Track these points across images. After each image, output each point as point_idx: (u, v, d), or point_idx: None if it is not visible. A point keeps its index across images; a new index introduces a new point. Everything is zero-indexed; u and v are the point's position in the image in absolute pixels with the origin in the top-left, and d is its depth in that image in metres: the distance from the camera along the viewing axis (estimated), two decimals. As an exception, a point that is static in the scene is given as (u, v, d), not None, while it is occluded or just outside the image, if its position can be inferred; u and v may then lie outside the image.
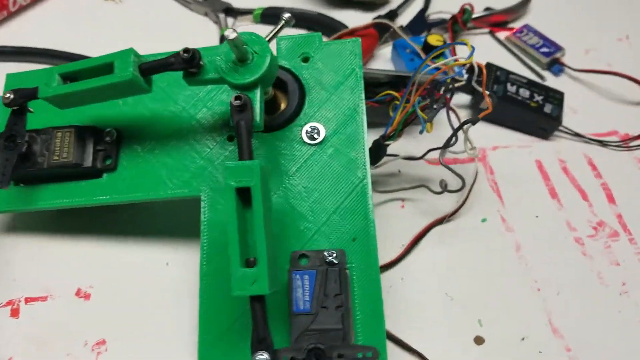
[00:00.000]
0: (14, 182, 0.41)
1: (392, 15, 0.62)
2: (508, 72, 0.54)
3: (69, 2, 0.63)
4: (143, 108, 0.41)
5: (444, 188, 0.43)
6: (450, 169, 0.41)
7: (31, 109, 0.39)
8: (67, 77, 0.36)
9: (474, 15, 0.61)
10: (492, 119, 0.54)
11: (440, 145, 0.41)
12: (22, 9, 0.61)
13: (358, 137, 0.37)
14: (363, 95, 0.38)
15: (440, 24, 0.61)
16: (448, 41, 0.59)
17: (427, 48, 0.56)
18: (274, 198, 0.37)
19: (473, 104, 0.53)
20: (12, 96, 0.37)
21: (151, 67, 0.35)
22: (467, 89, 0.53)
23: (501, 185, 0.49)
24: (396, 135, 0.42)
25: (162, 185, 0.39)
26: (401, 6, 0.64)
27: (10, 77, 0.45)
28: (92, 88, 0.35)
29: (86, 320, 0.39)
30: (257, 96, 0.33)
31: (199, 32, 0.61)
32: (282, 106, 0.39)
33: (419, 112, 0.40)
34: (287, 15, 0.35)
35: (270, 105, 0.39)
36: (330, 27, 0.59)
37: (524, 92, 0.52)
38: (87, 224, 0.44)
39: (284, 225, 0.36)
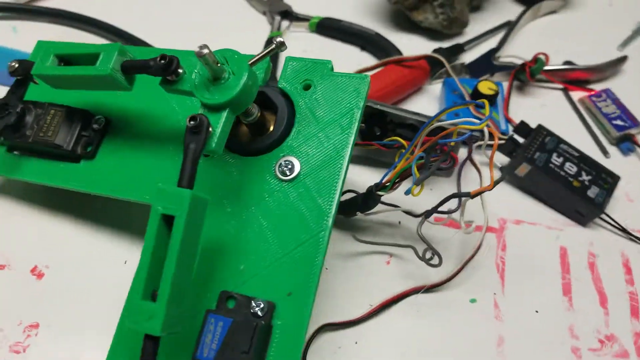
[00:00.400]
0: (7, 148, 0.42)
1: (457, 49, 0.56)
2: (559, 141, 0.47)
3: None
4: (139, 101, 0.40)
5: (424, 258, 0.38)
6: (426, 242, 0.37)
7: (37, 81, 0.40)
8: (63, 59, 0.36)
9: (548, 67, 0.54)
10: (526, 189, 0.48)
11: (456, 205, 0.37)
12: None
13: (332, 184, 0.34)
14: (352, 139, 0.34)
15: (507, 69, 0.55)
16: (503, 90, 0.52)
17: (476, 94, 0.50)
18: (225, 227, 0.34)
19: (509, 166, 0.47)
20: (16, 65, 0.38)
21: (131, 67, 0.33)
22: (506, 149, 0.47)
23: (509, 266, 0.43)
24: (390, 186, 0.39)
25: (134, 186, 0.38)
26: (470, 42, 0.58)
27: (40, 44, 0.46)
28: (75, 75, 0.34)
29: (30, 299, 0.40)
30: (221, 120, 0.31)
31: (251, 30, 0.60)
32: (271, 130, 0.37)
33: (414, 169, 0.36)
34: (279, 39, 0.32)
35: (257, 128, 0.37)
36: (384, 50, 0.56)
37: (570, 168, 0.46)
38: (64, 203, 0.44)
39: (225, 260, 0.34)
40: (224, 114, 0.31)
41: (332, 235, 0.44)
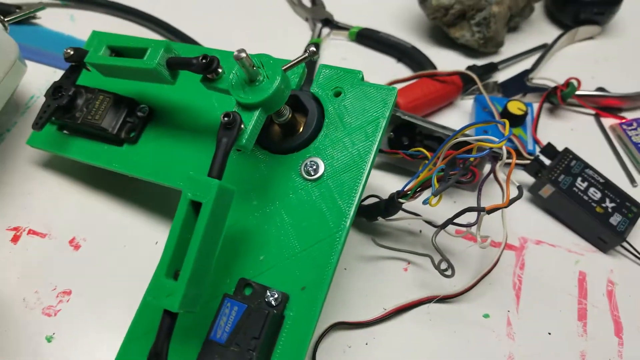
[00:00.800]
0: (58, 127, 0.45)
1: (490, 68, 0.57)
2: (585, 165, 0.47)
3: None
4: (181, 94, 0.43)
5: (438, 268, 0.39)
6: (440, 252, 0.38)
7: (89, 68, 0.42)
8: (114, 50, 0.38)
9: (580, 92, 0.55)
10: (549, 211, 0.48)
11: (475, 219, 0.38)
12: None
13: (353, 187, 0.35)
14: (375, 147, 0.36)
15: (540, 90, 0.56)
16: (533, 111, 0.53)
17: (506, 113, 0.51)
18: (250, 219, 0.36)
19: (533, 187, 0.48)
20: (71, 52, 0.41)
21: (175, 63, 0.35)
22: (531, 169, 0.48)
23: (525, 285, 0.44)
24: (411, 195, 0.40)
25: (170, 172, 0.40)
26: (505, 61, 0.59)
27: (94, 34, 0.49)
28: (123, 66, 0.37)
29: (66, 267, 0.42)
30: (253, 118, 0.32)
31: (294, 35, 0.62)
32: (300, 131, 0.38)
33: (434, 180, 0.37)
34: (312, 49, 0.34)
35: (288, 129, 0.38)
36: (419, 63, 0.57)
37: (594, 193, 0.46)
38: (106, 183, 0.46)
39: (247, 249, 0.35)
40: (256, 113, 0.33)
41: (354, 238, 0.45)
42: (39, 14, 0.59)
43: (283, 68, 0.33)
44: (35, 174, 0.47)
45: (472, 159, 0.36)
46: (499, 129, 0.50)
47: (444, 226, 0.37)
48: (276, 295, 0.33)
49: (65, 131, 0.45)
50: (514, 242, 0.46)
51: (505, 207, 0.35)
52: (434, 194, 0.36)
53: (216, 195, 0.30)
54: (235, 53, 0.30)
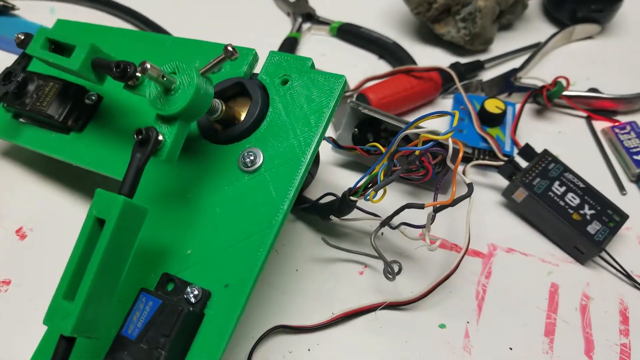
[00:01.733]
0: (13, 114, 0.44)
1: (476, 66, 0.54)
2: (565, 169, 0.44)
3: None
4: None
5: (384, 269, 0.36)
6: (378, 253, 0.35)
7: None
8: (53, 43, 0.37)
9: (571, 93, 0.51)
10: (524, 216, 0.45)
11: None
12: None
13: (290, 181, 0.33)
14: (317, 137, 0.33)
15: (526, 90, 0.52)
16: (514, 111, 0.50)
17: (482, 112, 0.48)
18: (181, 210, 0.34)
19: (506, 190, 0.45)
20: (22, 37, 0.39)
21: (98, 65, 0.33)
22: (505, 171, 0.44)
23: (490, 296, 0.40)
24: (361, 192, 0.37)
25: (113, 163, 0.38)
26: (493, 59, 0.56)
27: (59, 22, 0.48)
28: (54, 63, 0.35)
29: (9, 257, 0.41)
30: (173, 131, 0.30)
31: (273, 29, 0.60)
32: (241, 119, 0.36)
33: (380, 176, 0.35)
34: (230, 47, 0.31)
35: (226, 121, 0.36)
36: (399, 60, 0.54)
37: (572, 199, 0.42)
38: (63, 172, 0.45)
39: (174, 243, 0.33)
40: (176, 125, 0.31)
41: (309, 238, 0.43)
42: (18, 4, 0.59)
43: (201, 71, 0.31)
44: (-9, 163, 0.47)
45: (417, 152, 0.33)
46: (475, 128, 0.47)
47: (383, 224, 0.34)
48: (196, 292, 0.31)
49: (21, 119, 0.44)
50: (482, 248, 0.43)
51: (450, 205, 0.32)
52: (374, 190, 0.33)
53: (120, 212, 0.28)
54: (139, 67, 0.28)
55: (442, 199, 0.45)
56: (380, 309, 0.39)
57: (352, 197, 0.38)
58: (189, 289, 0.31)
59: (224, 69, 0.38)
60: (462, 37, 0.55)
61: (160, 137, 0.30)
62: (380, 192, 0.35)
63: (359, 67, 0.56)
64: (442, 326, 0.39)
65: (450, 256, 0.43)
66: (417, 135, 0.35)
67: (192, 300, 0.31)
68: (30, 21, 0.58)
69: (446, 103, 0.53)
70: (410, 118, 0.51)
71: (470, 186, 0.33)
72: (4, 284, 0.39)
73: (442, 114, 0.33)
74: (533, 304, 0.40)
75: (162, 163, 0.32)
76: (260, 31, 0.60)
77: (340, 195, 0.40)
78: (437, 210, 0.33)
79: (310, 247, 0.42)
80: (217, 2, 0.63)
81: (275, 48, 0.56)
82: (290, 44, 0.56)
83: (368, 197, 0.34)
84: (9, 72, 0.41)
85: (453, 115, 0.32)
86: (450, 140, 0.32)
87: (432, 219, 0.34)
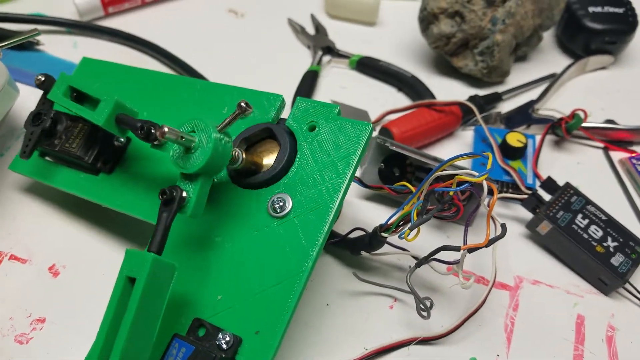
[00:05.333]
0: (39, 153, 0.45)
1: (494, 98, 0.55)
2: (587, 202, 0.45)
3: (197, 6, 0.68)
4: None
5: (417, 307, 0.37)
6: (414, 292, 0.36)
7: None
8: (75, 91, 0.38)
9: (588, 125, 0.52)
10: (548, 248, 0.46)
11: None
12: (155, 2, 0.67)
13: (319, 227, 0.33)
14: (345, 184, 0.34)
15: (545, 122, 0.53)
16: (536, 143, 0.51)
17: (504, 146, 0.49)
18: (210, 255, 0.35)
19: (530, 223, 0.45)
20: (42, 79, 0.40)
21: (122, 122, 0.35)
22: (529, 204, 0.45)
23: (518, 328, 0.41)
24: (393, 229, 0.38)
25: (137, 203, 0.39)
26: (510, 91, 0.57)
27: (85, 60, 0.49)
28: (76, 114, 0.36)
29: (43, 294, 0.41)
30: (196, 187, 0.32)
31: (295, 61, 0.61)
32: (269, 163, 0.37)
33: (414, 215, 0.36)
34: (243, 103, 0.32)
35: (248, 171, 0.37)
36: (418, 93, 0.55)
37: (595, 231, 0.43)
38: (90, 210, 0.46)
39: (205, 287, 0.34)
40: (199, 182, 0.32)
41: (338, 272, 0.44)
42: (42, 39, 0.60)
43: (217, 128, 0.32)
44: (22, 199, 0.47)
45: (451, 193, 0.34)
46: (498, 162, 0.48)
47: (419, 264, 0.35)
48: (227, 339, 0.31)
49: (47, 158, 0.45)
50: (508, 281, 0.44)
51: (485, 246, 0.33)
52: (410, 228, 0.34)
53: (150, 270, 0.29)
54: (158, 132, 0.29)
55: (471, 233, 0.46)
56: (408, 345, 0.40)
57: (383, 234, 0.39)
58: (220, 335, 0.31)
59: (252, 114, 0.39)
60: (479, 70, 0.56)
61: (185, 194, 0.31)
62: (415, 230, 0.36)
63: (379, 99, 0.57)
64: (473, 359, 0.39)
65: (477, 289, 0.43)
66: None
67: (224, 346, 0.31)
68: (54, 56, 0.59)
69: (466, 135, 0.54)
70: (432, 150, 0.53)
71: (503, 227, 0.33)
72: (39, 322, 0.40)
73: (474, 154, 0.34)
74: (560, 336, 0.41)
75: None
76: (282, 63, 0.61)
77: (369, 231, 0.41)
78: (471, 251, 0.33)
79: (339, 281, 0.43)
80: (238, 36, 0.64)
81: (297, 80, 0.58)
82: (311, 77, 0.57)
83: (403, 236, 0.35)
84: (38, 113, 0.42)
85: (485, 157, 0.33)
86: (485, 183, 0.32)
87: (463, 258, 0.35)
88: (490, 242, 0.32)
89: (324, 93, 0.58)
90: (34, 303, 0.41)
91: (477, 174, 0.32)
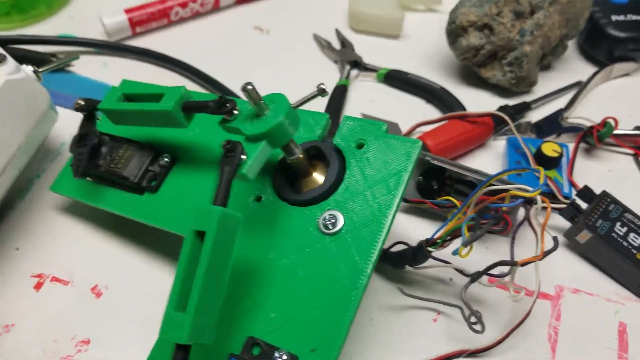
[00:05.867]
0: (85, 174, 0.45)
1: (522, 108, 0.56)
2: (624, 209, 0.45)
3: (224, 23, 0.69)
4: (203, 146, 0.42)
5: (468, 321, 0.37)
6: (469, 307, 0.36)
7: (99, 117, 0.43)
8: (129, 97, 0.39)
9: (618, 132, 0.53)
10: (587, 257, 0.46)
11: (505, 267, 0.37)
12: (181, 20, 0.67)
13: (372, 244, 0.34)
14: (397, 201, 0.35)
15: (575, 130, 0.54)
16: (569, 152, 0.51)
17: (540, 156, 0.49)
18: (262, 272, 0.35)
19: (569, 232, 0.46)
20: (82, 103, 0.41)
21: (191, 106, 0.36)
22: (567, 214, 0.46)
23: (562, 338, 0.41)
24: (440, 244, 0.38)
25: (185, 222, 0.39)
26: (538, 100, 0.57)
27: (124, 82, 0.50)
28: (138, 110, 0.37)
29: (87, 316, 0.42)
30: (257, 149, 0.32)
31: (323, 76, 0.62)
32: (319, 182, 0.38)
33: (464, 230, 0.36)
34: (321, 85, 0.34)
35: (297, 168, 0.37)
36: (448, 105, 0.56)
37: (634, 239, 0.44)
38: (131, 229, 0.46)
39: (257, 305, 0.34)
40: (261, 145, 0.33)
41: (380, 286, 0.44)
42: (75, 60, 0.61)
43: (293, 105, 0.34)
44: (60, 220, 0.48)
45: (504, 209, 0.35)
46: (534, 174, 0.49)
47: (474, 279, 0.35)
48: (284, 357, 0.31)
49: (88, 178, 0.45)
50: (549, 290, 0.44)
51: (540, 259, 0.33)
52: (464, 245, 0.35)
53: (219, 222, 0.29)
54: (242, 84, 0.31)
55: (503, 242, 0.47)
56: (456, 358, 0.40)
57: (429, 248, 0.39)
58: (277, 354, 0.32)
59: (299, 132, 0.40)
60: (508, 80, 0.57)
61: (244, 157, 0.32)
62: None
63: (408, 112, 0.58)
64: (521, 370, 0.40)
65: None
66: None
67: None
68: (84, 77, 0.60)
69: (497, 145, 0.55)
70: (464, 161, 0.53)
71: (555, 240, 0.34)
72: (83, 344, 0.40)
73: (523, 168, 0.34)
74: (603, 344, 0.41)
75: (259, 204, 0.36)
76: (310, 78, 0.61)
77: (411, 245, 0.41)
78: (524, 264, 0.34)
79: (382, 295, 0.44)
80: (265, 53, 0.65)
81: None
82: (341, 91, 0.58)
83: (457, 253, 0.35)
84: (82, 135, 0.42)
85: (537, 171, 0.34)
86: (538, 197, 0.33)
87: (514, 271, 0.36)
88: (545, 255, 0.33)
89: (353, 107, 0.58)
90: (77, 325, 0.41)
91: (530, 188, 0.33)
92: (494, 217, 0.36)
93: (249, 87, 0.31)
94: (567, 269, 0.46)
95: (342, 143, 0.38)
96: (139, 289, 0.43)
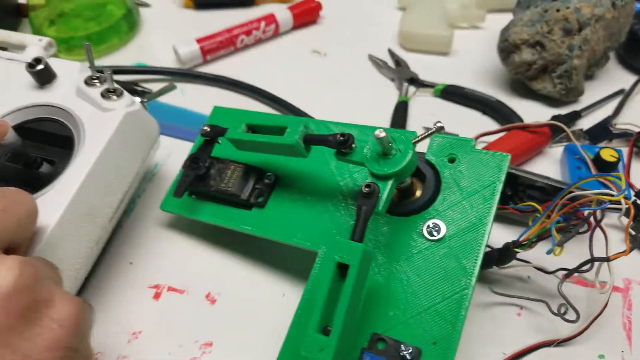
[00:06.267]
0: (188, 193, 0.50)
1: (574, 116, 0.60)
2: (682, 208, 0.50)
3: (284, 48, 0.74)
4: (302, 163, 0.47)
5: (560, 314, 0.42)
6: (565, 299, 0.40)
7: (219, 141, 0.48)
8: (251, 127, 0.44)
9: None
10: (652, 252, 0.50)
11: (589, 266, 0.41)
12: (246, 47, 0.73)
13: (475, 247, 0.38)
14: (494, 209, 0.39)
15: (625, 136, 0.58)
16: (625, 157, 0.56)
17: (598, 161, 0.54)
18: (376, 276, 0.40)
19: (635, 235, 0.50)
20: (208, 129, 0.46)
21: (312, 139, 0.40)
22: (629, 213, 0.50)
23: (636, 326, 0.46)
24: (527, 245, 0.43)
25: (292, 232, 0.44)
26: (586, 109, 0.62)
27: (216, 109, 0.54)
28: (263, 142, 0.42)
29: (205, 321, 0.46)
30: (387, 187, 0.37)
31: (382, 93, 0.67)
32: (417, 194, 0.42)
33: (554, 232, 0.40)
34: (439, 124, 0.38)
35: (405, 192, 0.42)
36: (505, 117, 0.60)
37: (694, 234, 0.48)
38: (233, 241, 0.51)
39: (375, 305, 0.39)
40: (390, 183, 0.37)
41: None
42: (152, 87, 0.66)
43: (413, 141, 0.38)
44: (165, 235, 0.53)
45: (591, 212, 0.39)
46: (599, 180, 0.53)
47: (568, 275, 0.40)
48: (410, 350, 0.36)
49: (193, 196, 0.50)
50: (618, 283, 0.49)
51: (626, 255, 0.37)
52: (559, 245, 0.39)
53: (361, 257, 0.34)
54: (376, 133, 0.35)
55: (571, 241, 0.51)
56: (546, 347, 0.44)
57: (516, 249, 0.43)
58: (402, 347, 0.36)
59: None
60: (558, 91, 0.61)
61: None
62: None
63: (466, 124, 0.62)
64: (602, 357, 0.44)
65: (589, 293, 0.48)
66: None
67: (408, 357, 0.36)
68: (164, 103, 0.64)
69: (553, 152, 0.59)
70: (525, 168, 0.57)
71: (638, 238, 0.38)
72: (207, 346, 0.45)
73: (607, 176, 0.39)
74: (674, 331, 0.46)
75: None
76: (369, 96, 0.66)
77: (494, 247, 0.45)
78: (613, 260, 0.38)
79: (468, 293, 0.48)
80: (324, 74, 0.70)
81: (386, 111, 0.63)
82: (403, 107, 0.62)
83: (551, 252, 0.39)
84: (196, 158, 0.47)
85: (618, 177, 0.39)
86: (623, 200, 0.37)
87: (599, 267, 0.40)
88: (631, 250, 0.37)
89: (415, 121, 0.63)
90: (198, 329, 0.46)
91: (614, 192, 0.37)
92: (583, 219, 0.40)
93: (382, 134, 0.35)
94: (632, 264, 0.50)
95: (434, 158, 0.43)
96: (247, 294, 0.48)
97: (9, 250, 0.33)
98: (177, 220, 0.54)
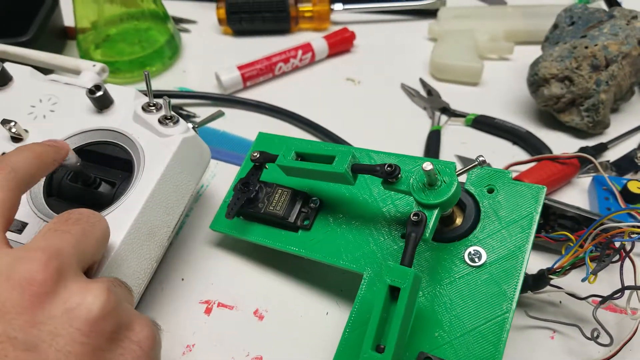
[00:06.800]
0: (237, 215, 0.53)
1: (601, 148, 0.63)
2: None
3: (319, 76, 0.77)
4: (346, 189, 0.50)
5: (594, 338, 0.44)
6: (600, 324, 0.43)
7: (267, 166, 0.51)
8: (300, 155, 0.46)
9: (690, 169, 0.59)
10: (676, 281, 0.52)
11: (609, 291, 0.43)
12: (284, 74, 0.76)
13: (514, 274, 0.41)
14: (531, 238, 0.42)
15: (651, 168, 0.61)
16: (652, 190, 0.58)
17: (626, 193, 0.56)
18: (421, 299, 0.42)
19: (658, 259, 0.53)
20: (258, 155, 0.49)
21: (359, 169, 0.43)
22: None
23: (664, 350, 0.48)
24: (561, 273, 0.45)
25: (338, 254, 0.47)
26: (612, 141, 0.64)
27: (260, 135, 0.57)
28: (313, 170, 0.44)
29: (254, 335, 0.49)
30: (433, 216, 0.39)
31: (414, 122, 0.70)
32: (457, 222, 0.45)
33: (587, 261, 0.43)
34: (482, 158, 0.41)
35: (446, 220, 0.45)
36: (535, 148, 0.63)
37: None
38: (278, 261, 0.54)
39: (421, 325, 0.41)
40: (436, 212, 0.40)
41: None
42: (194, 111, 0.69)
43: (456, 173, 0.40)
44: (213, 254, 0.56)
45: (624, 243, 0.42)
46: (619, 203, 0.55)
47: (603, 301, 0.42)
48: None
49: (241, 217, 0.53)
50: (645, 310, 0.51)
51: (657, 284, 0.40)
52: (593, 273, 0.41)
53: (412, 281, 0.37)
54: (424, 165, 0.38)
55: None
56: (579, 369, 0.46)
57: (551, 276, 0.46)
58: None
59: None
60: (585, 124, 0.64)
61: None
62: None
63: (497, 153, 0.65)
64: (632, 379, 0.46)
65: (619, 317, 0.50)
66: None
67: None
68: (210, 127, 0.67)
69: (581, 182, 0.61)
70: (553, 197, 0.60)
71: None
72: (257, 359, 0.47)
73: (634, 209, 0.41)
74: (701, 356, 0.48)
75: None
76: (402, 125, 0.69)
77: (528, 273, 0.48)
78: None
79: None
80: (359, 102, 0.73)
81: (419, 139, 0.66)
82: (436, 136, 0.65)
83: (586, 280, 0.42)
84: (246, 182, 0.50)
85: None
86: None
87: (631, 295, 0.43)
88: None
89: (448, 149, 0.66)
90: (248, 343, 0.49)
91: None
92: (615, 250, 0.42)
93: (429, 167, 0.38)
94: (659, 292, 0.52)
95: (472, 189, 0.46)
96: (293, 312, 0.51)
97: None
98: (224, 239, 0.56)
